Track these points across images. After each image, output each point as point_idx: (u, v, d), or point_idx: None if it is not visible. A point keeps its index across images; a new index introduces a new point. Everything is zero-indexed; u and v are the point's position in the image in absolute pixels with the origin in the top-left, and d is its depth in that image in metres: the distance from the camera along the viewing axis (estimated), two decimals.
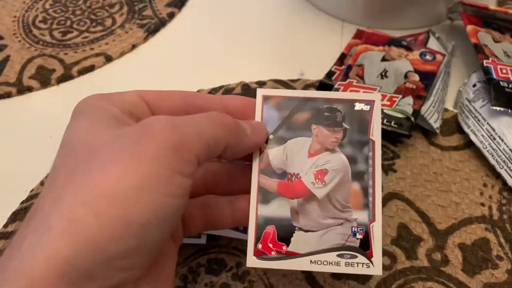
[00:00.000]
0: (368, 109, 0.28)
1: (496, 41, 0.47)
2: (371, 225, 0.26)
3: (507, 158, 0.38)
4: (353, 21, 0.56)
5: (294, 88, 0.48)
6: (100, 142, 0.21)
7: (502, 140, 0.39)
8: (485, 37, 0.46)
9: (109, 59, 0.52)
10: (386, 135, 0.42)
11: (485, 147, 0.40)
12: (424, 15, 0.54)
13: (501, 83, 0.41)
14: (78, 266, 0.18)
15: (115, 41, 0.54)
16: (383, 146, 0.42)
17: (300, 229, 0.27)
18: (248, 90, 0.48)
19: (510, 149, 0.38)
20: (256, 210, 0.27)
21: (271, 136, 0.28)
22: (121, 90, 0.26)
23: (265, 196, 0.27)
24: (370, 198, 0.27)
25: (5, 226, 0.38)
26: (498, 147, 0.39)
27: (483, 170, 0.40)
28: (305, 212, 0.27)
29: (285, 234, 0.26)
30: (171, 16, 0.57)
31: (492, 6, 0.47)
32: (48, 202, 0.20)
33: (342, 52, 0.50)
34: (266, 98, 0.28)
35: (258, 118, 0.28)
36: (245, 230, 0.33)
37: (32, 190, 0.40)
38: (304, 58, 0.52)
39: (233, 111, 0.27)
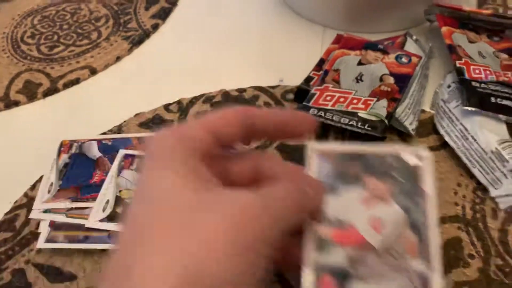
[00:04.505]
0: (417, 161, 0.28)
1: (471, 42, 0.47)
2: (429, 274, 0.26)
3: (480, 158, 0.39)
4: (334, 26, 0.56)
5: (272, 94, 0.48)
6: (190, 207, 0.22)
7: (475, 140, 0.39)
8: (460, 38, 0.47)
9: (93, 71, 0.53)
10: (361, 138, 0.43)
11: (458, 147, 0.40)
12: (404, 18, 0.55)
13: (473, 83, 0.42)
14: None
15: (100, 54, 0.55)
16: None
17: (357, 277, 0.26)
18: (228, 98, 0.48)
19: (482, 149, 0.39)
20: (311, 258, 0.26)
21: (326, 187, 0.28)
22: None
23: (321, 246, 0.27)
24: (428, 248, 0.26)
25: None
26: (471, 147, 0.39)
27: (457, 170, 0.41)
28: (361, 261, 0.26)
29: (341, 282, 0.26)
30: (155, 27, 0.58)
31: (467, 7, 0.48)
32: (143, 260, 0.20)
33: (321, 58, 0.51)
34: (318, 151, 0.29)
35: (311, 170, 0.28)
36: None
37: (16, 201, 0.41)
38: (285, 64, 0.53)
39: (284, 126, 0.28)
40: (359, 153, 0.29)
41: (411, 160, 0.28)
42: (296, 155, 0.42)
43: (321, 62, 0.50)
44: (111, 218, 0.37)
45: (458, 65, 0.43)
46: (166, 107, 0.48)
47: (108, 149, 0.43)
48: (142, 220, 0.22)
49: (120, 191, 0.39)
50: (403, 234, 0.27)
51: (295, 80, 0.49)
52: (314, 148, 0.29)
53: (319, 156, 0.29)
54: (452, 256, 0.35)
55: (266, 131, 0.27)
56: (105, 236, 0.37)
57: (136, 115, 0.47)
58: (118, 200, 0.38)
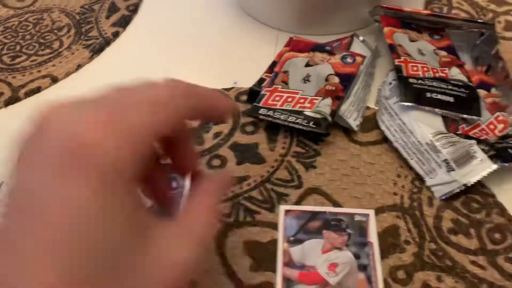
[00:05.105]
0: (365, 219, 0.38)
1: (412, 41, 0.50)
2: None
3: (416, 150, 0.41)
4: (287, 29, 0.59)
5: (227, 96, 0.51)
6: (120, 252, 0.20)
7: (412, 133, 0.42)
8: (401, 37, 0.49)
9: (54, 80, 0.54)
10: (307, 135, 0.45)
11: (397, 140, 0.43)
12: (353, 19, 0.57)
13: (410, 79, 0.44)
14: None
15: (61, 63, 0.56)
16: (305, 145, 0.45)
17: None
18: None
19: (418, 141, 0.41)
20: None
21: (292, 238, 0.37)
22: None
23: (289, 284, 0.34)
24: (374, 284, 0.34)
25: None
26: (408, 140, 0.42)
27: (397, 162, 0.43)
28: None
29: None
30: (116, 35, 0.60)
31: (408, 8, 0.51)
32: None
33: (274, 60, 0.53)
34: (287, 211, 0.39)
35: (281, 226, 0.37)
36: None
37: None
38: (239, 67, 0.55)
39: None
40: (320, 211, 0.38)
41: (360, 218, 0.38)
42: (247, 154, 0.44)
43: (273, 64, 0.52)
44: None
45: (397, 63, 0.46)
46: None
47: None
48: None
49: None
50: (355, 274, 0.35)
51: (249, 82, 0.51)
52: (283, 208, 0.39)
53: (288, 214, 0.38)
54: (390, 243, 0.37)
55: (200, 113, 0.27)
56: None
57: None
58: None
